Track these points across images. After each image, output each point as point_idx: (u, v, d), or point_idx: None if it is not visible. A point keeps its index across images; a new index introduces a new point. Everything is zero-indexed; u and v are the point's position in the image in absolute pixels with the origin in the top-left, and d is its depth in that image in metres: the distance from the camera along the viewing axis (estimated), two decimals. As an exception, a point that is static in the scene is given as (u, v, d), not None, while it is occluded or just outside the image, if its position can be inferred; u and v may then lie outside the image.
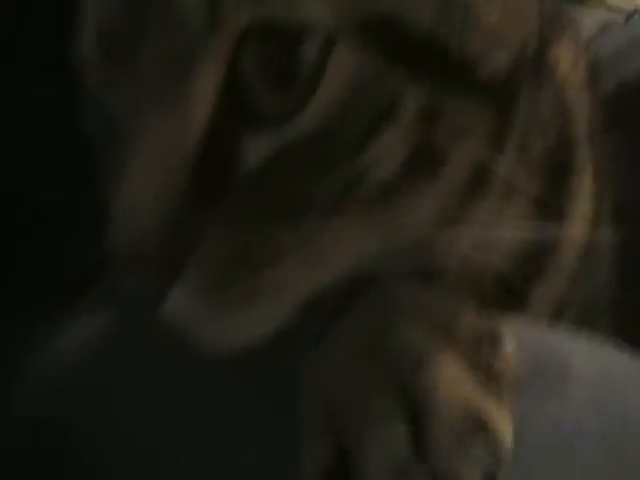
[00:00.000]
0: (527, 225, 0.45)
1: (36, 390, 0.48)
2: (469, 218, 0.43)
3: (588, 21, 0.82)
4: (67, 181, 0.49)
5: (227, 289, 0.38)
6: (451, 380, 0.38)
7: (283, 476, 0.40)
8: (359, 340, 0.40)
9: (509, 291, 0.47)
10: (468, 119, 0.40)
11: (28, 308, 0.48)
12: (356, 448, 0.37)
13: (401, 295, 0.42)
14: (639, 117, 0.62)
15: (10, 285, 0.49)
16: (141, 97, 0.37)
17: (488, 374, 0.39)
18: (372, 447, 0.36)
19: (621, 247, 0.54)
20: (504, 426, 0.37)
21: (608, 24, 0.83)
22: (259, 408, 0.43)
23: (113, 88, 0.40)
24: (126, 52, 0.37)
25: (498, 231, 0.44)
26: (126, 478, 0.45)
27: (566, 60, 0.51)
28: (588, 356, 0.44)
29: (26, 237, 0.46)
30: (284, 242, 0.38)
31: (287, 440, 0.40)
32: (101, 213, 0.38)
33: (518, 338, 0.41)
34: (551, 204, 0.47)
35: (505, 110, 0.42)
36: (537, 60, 0.44)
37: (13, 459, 0.47)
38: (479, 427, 0.36)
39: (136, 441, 0.45)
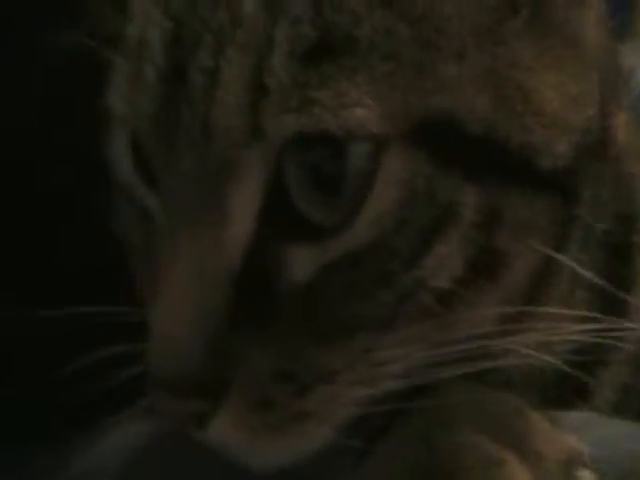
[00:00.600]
0: (591, 317, 0.41)
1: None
2: (533, 315, 0.39)
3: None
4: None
5: (273, 412, 0.35)
6: None
7: None
8: (411, 456, 0.37)
9: (573, 385, 0.43)
10: (531, 214, 0.36)
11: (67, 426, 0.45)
12: None
13: (456, 400, 0.39)
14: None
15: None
16: (177, 214, 0.35)
17: None
18: None
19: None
20: None
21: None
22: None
23: (149, 201, 0.38)
24: (162, 166, 0.35)
25: (563, 327, 0.40)
26: None
27: (622, 126, 0.47)
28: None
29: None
30: (333, 360, 0.35)
31: None
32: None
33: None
34: (613, 292, 0.43)
35: (570, 197, 0.38)
36: (600, 138, 0.40)
37: None
38: None
39: None
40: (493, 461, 0.36)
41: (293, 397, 0.35)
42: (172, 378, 0.33)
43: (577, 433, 0.38)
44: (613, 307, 0.43)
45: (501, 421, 0.38)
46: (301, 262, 0.34)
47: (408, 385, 0.38)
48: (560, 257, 0.38)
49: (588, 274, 0.41)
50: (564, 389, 0.43)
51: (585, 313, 0.41)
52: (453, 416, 0.38)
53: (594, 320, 0.41)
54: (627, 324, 0.42)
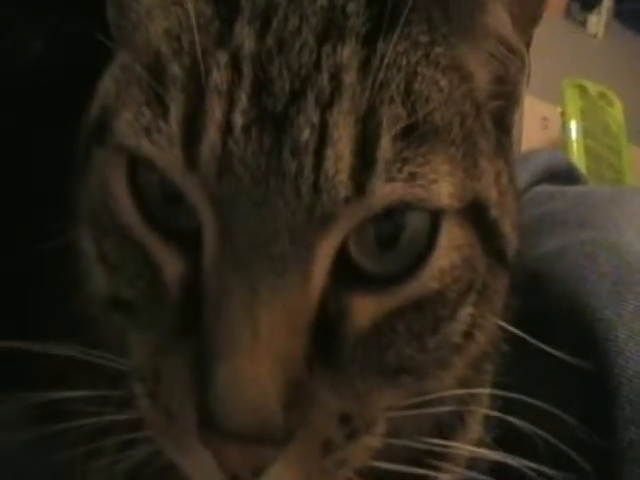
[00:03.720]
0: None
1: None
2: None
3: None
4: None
5: (331, 455, 0.36)
6: None
7: None
8: None
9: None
10: (502, 292, 0.44)
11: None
12: None
13: None
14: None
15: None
16: (255, 263, 0.35)
17: None
18: None
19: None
20: None
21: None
22: None
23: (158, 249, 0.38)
24: (234, 213, 0.35)
25: None
26: None
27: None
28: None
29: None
30: (388, 399, 0.38)
31: None
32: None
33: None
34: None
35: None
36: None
37: None
38: None
39: None
40: None
41: (345, 441, 0.37)
42: (244, 427, 0.33)
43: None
44: None
45: None
46: (364, 309, 0.36)
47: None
48: (516, 331, 0.45)
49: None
50: None
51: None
52: None
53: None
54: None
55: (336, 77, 0.34)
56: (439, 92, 0.37)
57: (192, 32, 0.33)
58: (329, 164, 0.34)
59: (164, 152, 0.34)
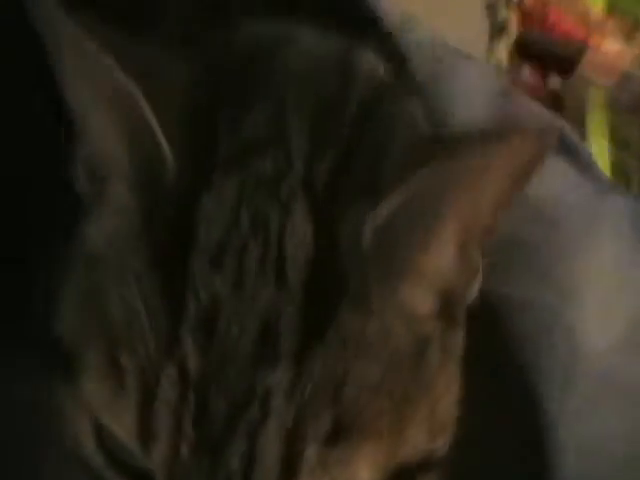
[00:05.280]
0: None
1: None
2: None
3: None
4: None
5: None
6: None
7: None
8: None
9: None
10: None
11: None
12: None
13: None
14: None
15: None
16: None
17: None
18: None
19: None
20: None
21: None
22: None
23: None
24: None
25: None
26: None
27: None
28: None
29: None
30: None
31: None
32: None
33: None
34: None
35: None
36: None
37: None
38: None
39: None
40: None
41: None
42: None
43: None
44: None
45: None
46: None
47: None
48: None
49: None
50: None
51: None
52: None
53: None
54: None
55: (265, 403, 0.33)
56: (370, 387, 0.34)
57: (143, 331, 0.33)
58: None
59: (122, 428, 0.34)
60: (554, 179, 0.60)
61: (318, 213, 0.33)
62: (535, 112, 0.66)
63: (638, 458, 0.48)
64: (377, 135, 0.36)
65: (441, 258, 0.35)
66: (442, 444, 0.38)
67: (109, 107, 0.34)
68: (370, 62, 0.42)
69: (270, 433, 0.32)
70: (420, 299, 0.35)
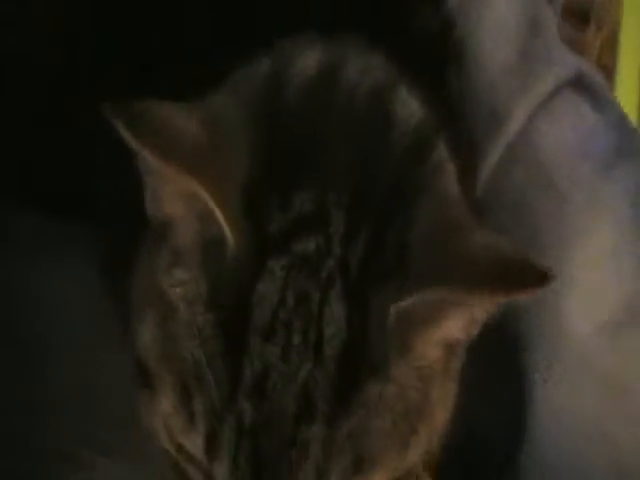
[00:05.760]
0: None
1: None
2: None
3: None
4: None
5: None
6: None
7: None
8: None
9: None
10: None
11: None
12: None
13: None
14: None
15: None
16: None
17: None
18: None
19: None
20: None
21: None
22: None
23: None
24: None
25: None
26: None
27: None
28: None
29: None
30: None
31: None
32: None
33: None
34: None
35: None
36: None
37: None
38: None
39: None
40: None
41: None
42: None
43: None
44: None
45: None
46: None
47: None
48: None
49: None
50: None
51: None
52: None
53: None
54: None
55: (304, 449, 0.39)
56: (384, 432, 0.40)
57: (209, 387, 0.39)
58: None
59: (193, 448, 0.41)
60: (570, 129, 0.63)
61: (352, 295, 0.39)
62: (556, 54, 0.66)
63: (606, 437, 0.56)
64: (406, 210, 0.41)
65: (451, 330, 0.42)
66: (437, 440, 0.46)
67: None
68: (408, 105, 0.46)
69: (308, 470, 0.40)
70: (430, 353, 0.42)
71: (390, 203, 0.42)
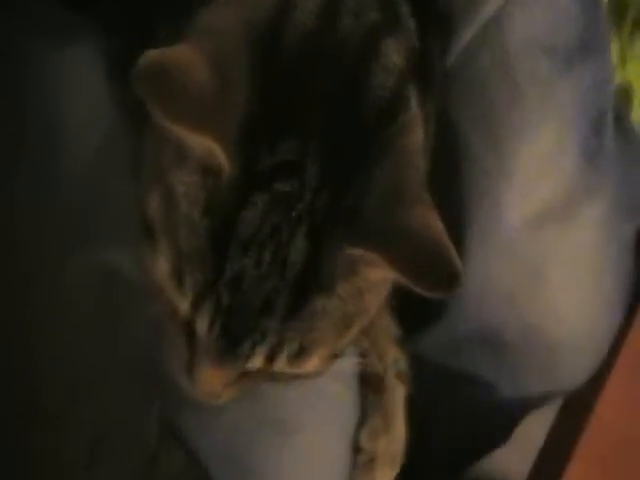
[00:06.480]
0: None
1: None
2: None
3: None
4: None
5: None
6: None
7: None
8: None
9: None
10: None
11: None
12: None
13: None
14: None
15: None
16: None
17: None
18: None
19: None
20: None
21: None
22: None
23: None
24: None
25: None
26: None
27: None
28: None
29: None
30: None
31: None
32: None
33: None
34: None
35: None
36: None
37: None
38: None
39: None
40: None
41: None
42: None
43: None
44: None
45: None
46: None
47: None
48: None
49: None
50: None
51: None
52: None
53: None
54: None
55: (263, 335, 0.49)
56: (324, 328, 0.51)
57: (199, 271, 0.48)
58: None
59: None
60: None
61: (313, 234, 0.49)
62: None
63: (515, 304, 0.67)
64: (368, 170, 0.50)
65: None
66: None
67: None
68: (391, 59, 0.52)
69: (264, 349, 0.50)
70: (372, 276, 0.51)
71: (357, 163, 0.50)
